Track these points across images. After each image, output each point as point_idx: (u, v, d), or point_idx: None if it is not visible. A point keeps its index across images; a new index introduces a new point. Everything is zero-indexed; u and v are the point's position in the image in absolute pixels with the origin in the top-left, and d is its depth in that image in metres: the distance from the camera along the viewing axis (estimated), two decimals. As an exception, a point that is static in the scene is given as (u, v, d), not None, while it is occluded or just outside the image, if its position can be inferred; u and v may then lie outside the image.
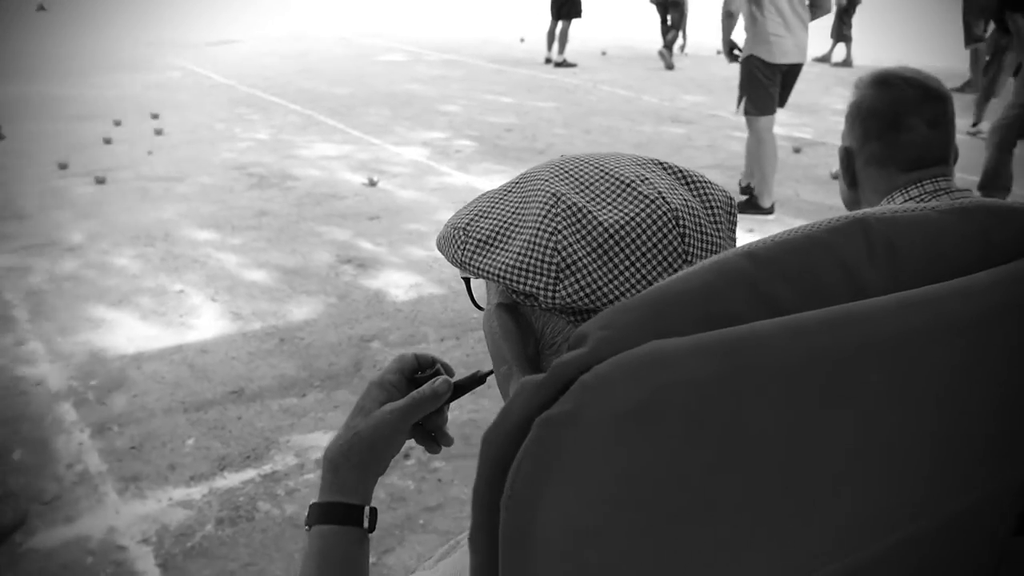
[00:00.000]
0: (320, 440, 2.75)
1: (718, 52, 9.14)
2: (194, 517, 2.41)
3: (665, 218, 0.60)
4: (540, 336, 0.64)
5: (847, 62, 11.53)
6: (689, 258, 0.61)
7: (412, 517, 2.43)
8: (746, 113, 4.96)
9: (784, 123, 7.15)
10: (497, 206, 0.67)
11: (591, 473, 0.35)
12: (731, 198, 0.67)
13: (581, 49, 11.60)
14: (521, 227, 0.63)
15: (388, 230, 4.65)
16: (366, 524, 0.87)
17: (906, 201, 1.42)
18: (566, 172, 0.65)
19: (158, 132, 6.65)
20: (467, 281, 0.78)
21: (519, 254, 0.61)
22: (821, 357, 0.39)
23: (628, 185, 0.62)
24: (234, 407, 2.92)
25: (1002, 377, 0.46)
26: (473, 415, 2.90)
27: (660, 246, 0.60)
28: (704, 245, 0.61)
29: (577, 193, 0.62)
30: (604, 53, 11.97)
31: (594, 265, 0.59)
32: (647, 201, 0.61)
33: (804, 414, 0.39)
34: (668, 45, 10.89)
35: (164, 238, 4.45)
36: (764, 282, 0.41)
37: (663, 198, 0.61)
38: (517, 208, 0.65)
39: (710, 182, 0.65)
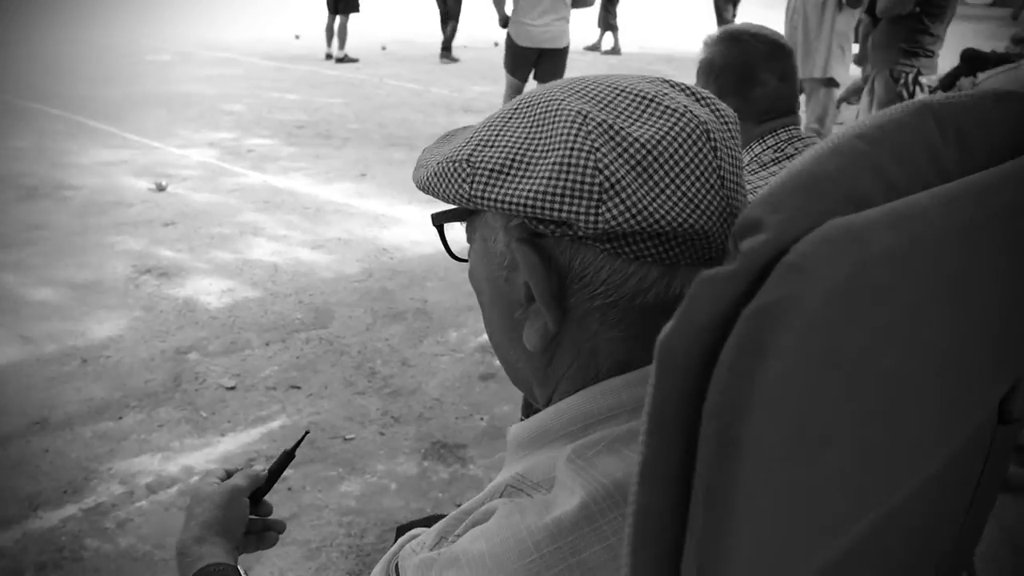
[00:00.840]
0: (148, 464, 2.51)
1: (496, 44, 9.31)
2: (8, 567, 2.12)
3: (697, 132, 0.58)
4: (567, 270, 0.59)
5: (615, 50, 12.15)
6: (721, 172, 0.58)
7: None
8: (505, 68, 5.85)
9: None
10: (502, 133, 0.61)
11: (805, 363, 0.32)
12: (734, 113, 0.65)
13: (361, 44, 11.42)
14: (545, 150, 0.57)
15: (187, 235, 4.34)
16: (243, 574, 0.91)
17: (764, 151, 1.50)
18: (579, 91, 0.60)
19: None
20: (440, 229, 0.72)
21: (550, 178, 0.56)
22: (969, 226, 0.38)
23: (651, 100, 0.59)
24: (39, 439, 2.60)
25: None
26: (314, 418, 2.77)
27: (696, 161, 0.57)
28: (730, 159, 0.59)
29: (601, 111, 0.58)
30: (384, 48, 11.86)
31: (636, 184, 0.55)
32: (676, 115, 0.58)
33: (962, 285, 0.38)
34: (447, 45, 10.85)
35: (-81, 262, 3.89)
36: (880, 163, 0.39)
37: (691, 112, 0.58)
38: (531, 132, 0.59)
39: (713, 96, 0.63)
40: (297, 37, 12.76)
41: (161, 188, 5.06)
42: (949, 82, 5.45)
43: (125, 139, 6.25)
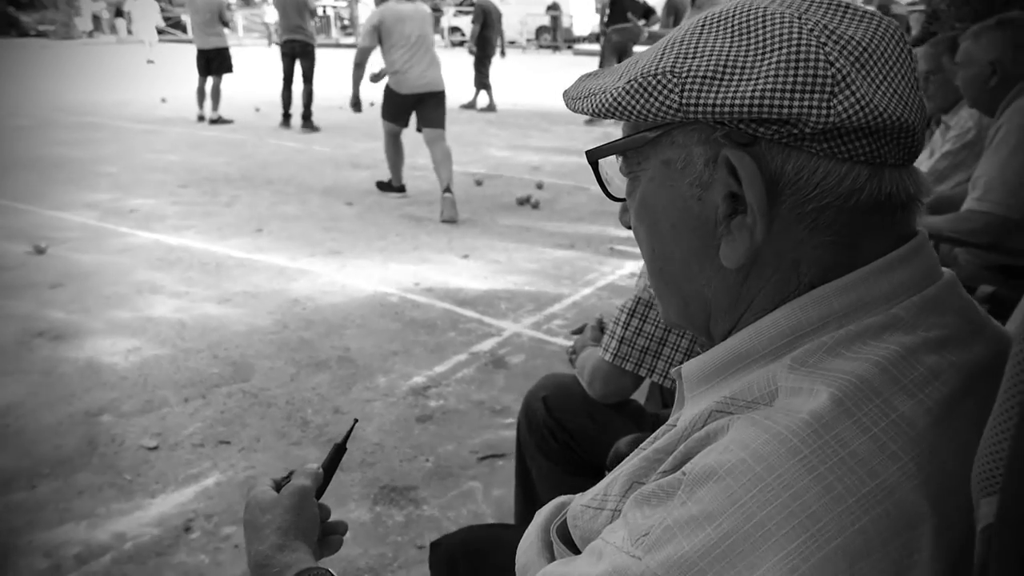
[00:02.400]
0: (73, 533, 2.29)
1: (341, 108, 9.04)
2: (-78, 660, 1.88)
3: (897, 34, 0.60)
4: (778, 176, 0.58)
5: (491, 107, 12.42)
6: (915, 72, 0.60)
7: (217, 591, 2.12)
8: (383, 117, 6.25)
9: (460, 162, 7.50)
10: (701, 44, 0.60)
11: None
12: None
13: (234, 106, 11.18)
14: (762, 52, 0.58)
15: (78, 297, 4.07)
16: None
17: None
18: (777, 1, 0.61)
19: None
20: (595, 166, 0.70)
21: (777, 76, 0.56)
22: None
23: (846, 7, 0.61)
24: (-59, 518, 2.34)
25: None
26: (250, 471, 2.61)
27: (900, 60, 0.60)
28: (914, 60, 0.62)
29: (810, 15, 0.59)
30: (258, 109, 11.63)
31: (860, 80, 0.56)
32: (876, 19, 0.61)
33: None
34: (306, 116, 9.96)
35: None
36: None
37: (884, 17, 0.60)
38: (738, 38, 0.59)
39: None
40: (164, 100, 12.38)
41: (41, 251, 4.74)
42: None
43: (-8, 203, 5.84)
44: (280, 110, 10.00)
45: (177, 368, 3.33)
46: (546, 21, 27.95)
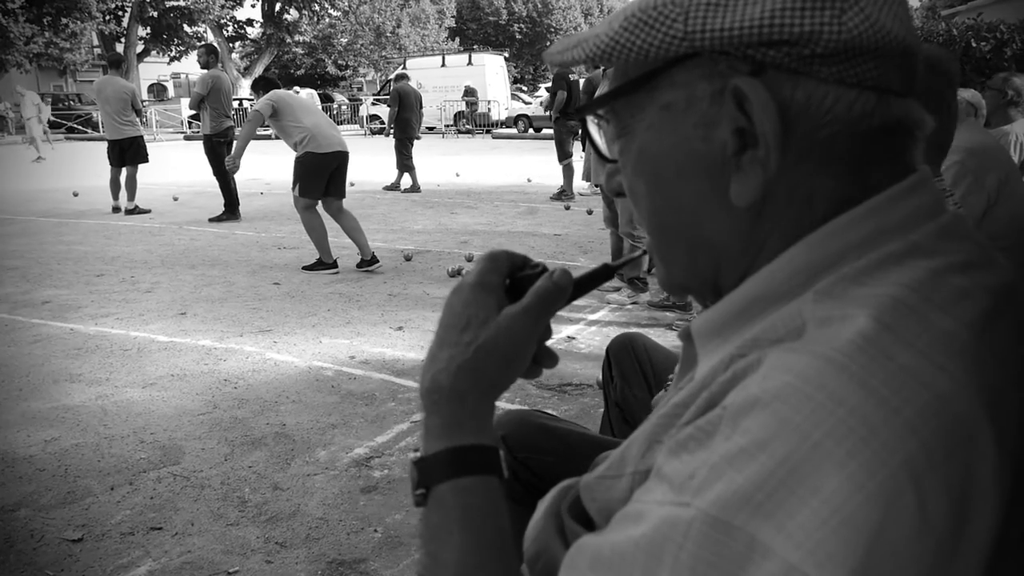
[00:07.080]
0: (-13, 637, 2.08)
1: (261, 193, 8.97)
2: None
3: None
4: (788, 103, 0.56)
5: (415, 188, 12.46)
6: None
7: None
8: (301, 195, 6.26)
9: (388, 240, 7.46)
10: None
11: None
12: None
13: (149, 196, 10.95)
14: None
15: (-12, 390, 3.82)
16: (505, 473, 0.69)
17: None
18: None
19: None
20: (584, 122, 0.66)
21: None
22: None
23: None
24: None
25: None
26: (186, 557, 2.43)
27: None
28: None
29: None
30: (176, 199, 11.40)
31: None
32: None
33: None
34: (232, 207, 9.56)
35: None
36: None
37: None
38: None
39: None
40: (76, 195, 12.04)
41: (-55, 347, 4.47)
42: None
43: None
44: (206, 203, 9.76)
45: (100, 456, 3.12)
46: (463, 107, 28.51)
